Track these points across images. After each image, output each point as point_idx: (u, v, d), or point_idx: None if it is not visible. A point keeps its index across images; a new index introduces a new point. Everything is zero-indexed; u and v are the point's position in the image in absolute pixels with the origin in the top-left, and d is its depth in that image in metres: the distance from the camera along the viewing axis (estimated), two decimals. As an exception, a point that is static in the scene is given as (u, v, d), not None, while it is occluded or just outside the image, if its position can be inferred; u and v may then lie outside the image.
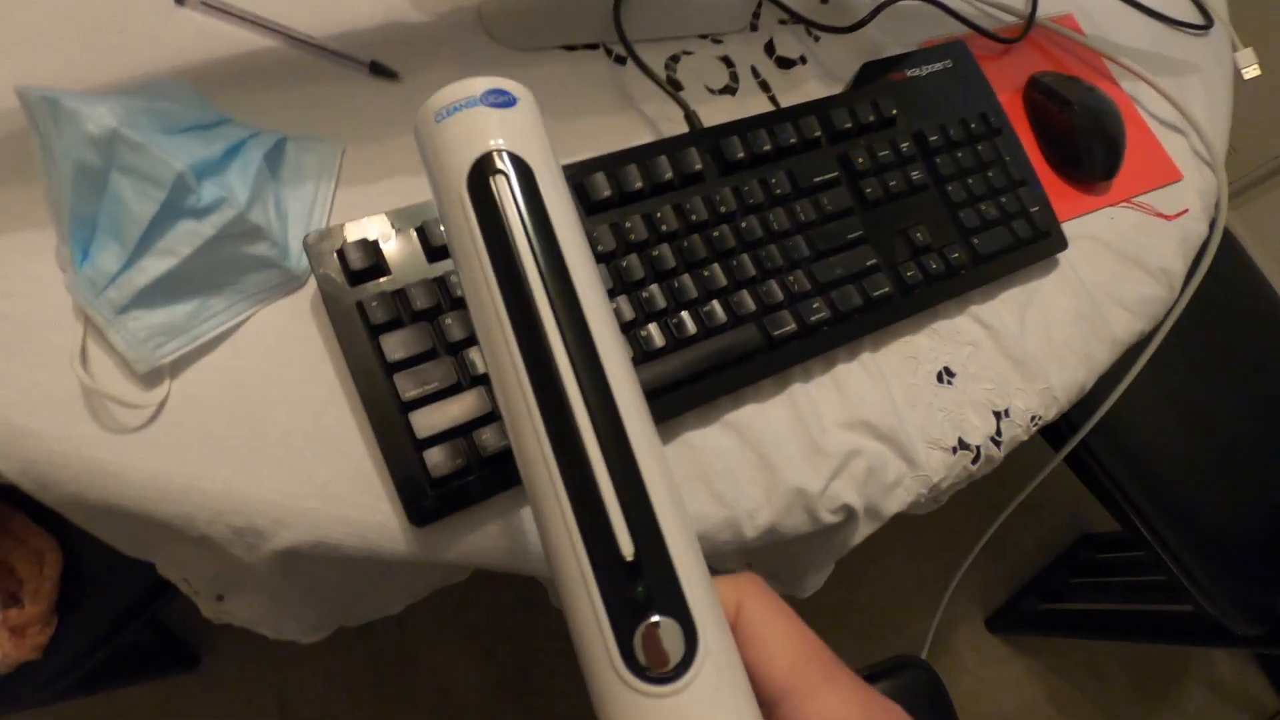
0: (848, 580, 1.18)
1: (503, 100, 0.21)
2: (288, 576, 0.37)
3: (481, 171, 0.20)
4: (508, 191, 0.20)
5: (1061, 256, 0.50)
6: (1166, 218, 0.55)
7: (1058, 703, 1.21)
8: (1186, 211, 0.56)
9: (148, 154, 0.31)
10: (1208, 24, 0.64)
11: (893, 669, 0.66)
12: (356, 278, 0.34)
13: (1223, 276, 0.91)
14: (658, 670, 0.18)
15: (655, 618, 0.18)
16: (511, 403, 0.20)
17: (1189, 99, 0.60)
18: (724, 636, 0.19)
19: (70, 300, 0.33)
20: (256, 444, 0.33)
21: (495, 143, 0.20)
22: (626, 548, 0.18)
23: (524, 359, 0.19)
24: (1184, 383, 0.86)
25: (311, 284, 0.36)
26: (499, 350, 0.20)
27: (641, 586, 0.18)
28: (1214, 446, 0.84)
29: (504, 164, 0.20)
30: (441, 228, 0.23)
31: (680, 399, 0.37)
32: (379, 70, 0.41)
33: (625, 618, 0.18)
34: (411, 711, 0.96)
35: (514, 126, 0.21)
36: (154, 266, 0.32)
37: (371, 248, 0.34)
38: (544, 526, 0.19)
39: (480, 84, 0.21)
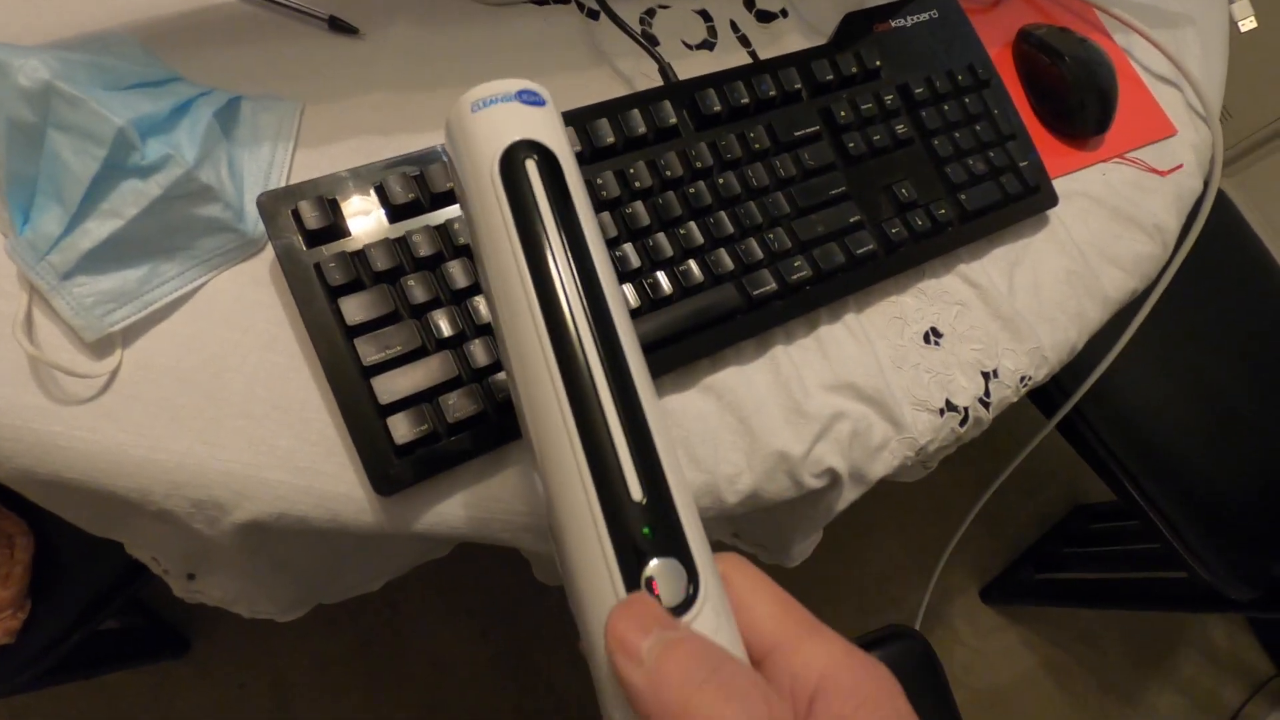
0: (840, 553, 1.18)
1: (533, 100, 0.24)
2: (255, 552, 0.36)
3: (513, 155, 0.23)
4: (536, 172, 0.23)
5: (1052, 213, 0.49)
6: (1160, 173, 0.54)
7: (1053, 672, 1.21)
8: (1181, 167, 0.54)
9: (86, 109, 0.29)
10: (1203, -26, 0.62)
11: (885, 638, 0.66)
12: (314, 238, 0.32)
13: (1219, 242, 0.90)
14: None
15: (660, 559, 0.19)
16: (527, 352, 0.21)
17: (1183, 51, 0.58)
18: (718, 583, 0.20)
19: (14, 267, 0.31)
20: (215, 414, 0.32)
21: (526, 133, 0.23)
22: (636, 490, 0.19)
23: (543, 313, 0.21)
24: (1178, 348, 0.85)
25: (270, 249, 0.35)
26: (518, 304, 0.22)
27: (648, 528, 0.19)
28: (1208, 412, 0.83)
29: (534, 151, 0.23)
30: (464, 207, 0.25)
31: (657, 362, 0.36)
32: (338, 26, 0.40)
33: (632, 558, 0.19)
34: (406, 693, 0.96)
35: (542, 123, 0.24)
36: (98, 229, 0.31)
37: (329, 207, 0.32)
38: (551, 468, 0.20)
39: (514, 84, 0.24)
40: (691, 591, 0.19)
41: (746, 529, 0.48)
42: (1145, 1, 0.60)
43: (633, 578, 0.19)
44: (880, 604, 1.18)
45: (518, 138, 0.23)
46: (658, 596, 0.19)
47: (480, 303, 0.33)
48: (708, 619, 0.19)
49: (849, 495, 0.41)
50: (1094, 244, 0.50)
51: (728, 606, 0.20)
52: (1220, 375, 0.85)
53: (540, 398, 0.21)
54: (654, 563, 0.19)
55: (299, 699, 0.93)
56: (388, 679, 0.96)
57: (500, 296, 0.22)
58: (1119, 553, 1.10)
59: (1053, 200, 0.48)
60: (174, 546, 0.38)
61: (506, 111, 0.24)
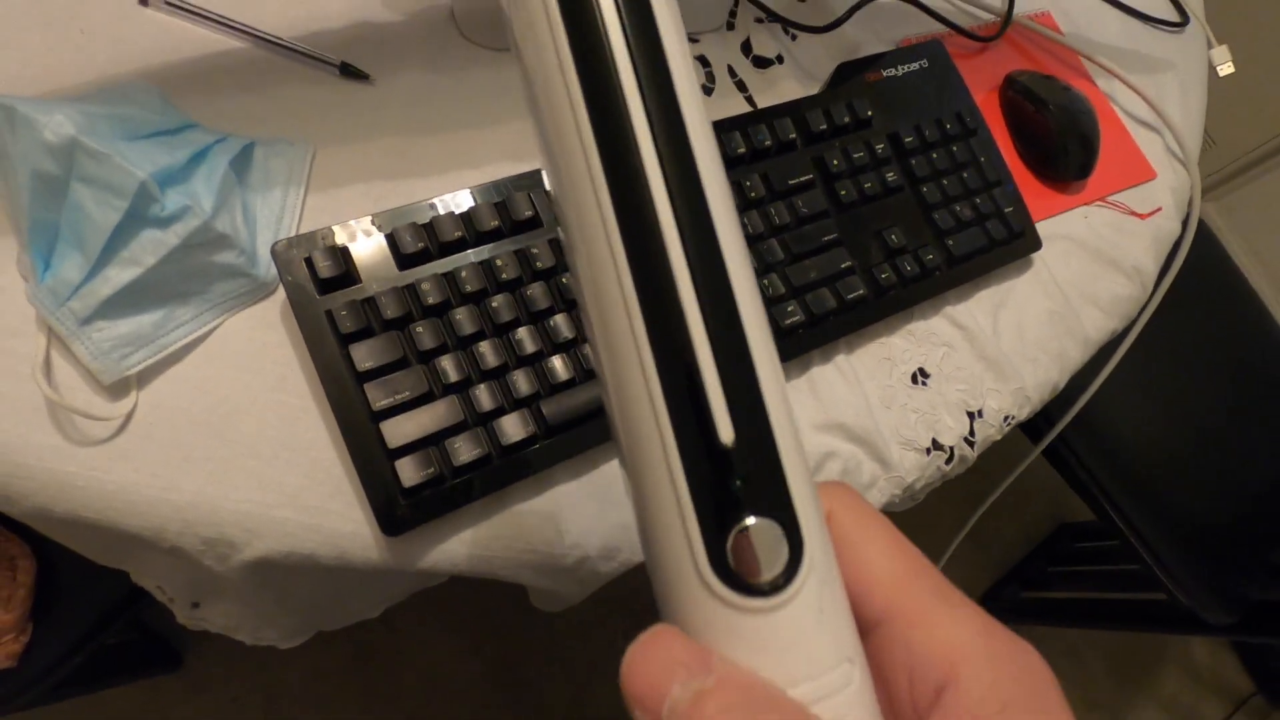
0: (831, 571, 1.19)
1: None
2: (262, 585, 0.37)
3: None
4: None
5: (1036, 256, 0.51)
6: (1140, 216, 0.56)
7: (1037, 689, 1.23)
8: (1160, 210, 0.56)
9: (109, 163, 0.30)
10: (1183, 21, 0.64)
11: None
12: (326, 286, 0.33)
13: (1200, 269, 0.93)
14: (753, 580, 0.14)
15: (753, 519, 0.15)
16: (591, 242, 0.16)
17: (1164, 97, 0.60)
18: (827, 547, 0.16)
19: (33, 310, 0.32)
20: (226, 454, 0.33)
21: None
22: (726, 430, 0.15)
23: (612, 190, 0.15)
24: (1161, 375, 0.87)
25: (281, 291, 0.36)
26: (579, 178, 0.16)
27: (739, 479, 0.15)
28: (1189, 438, 0.85)
29: None
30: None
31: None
32: (349, 71, 0.41)
33: (717, 515, 0.15)
34: (398, 707, 0.96)
35: None
36: (118, 276, 0.32)
37: (341, 255, 0.34)
38: (618, 394, 0.16)
39: None
40: (793, 561, 0.15)
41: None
42: (1128, 48, 0.62)
43: (717, 543, 0.15)
44: (868, 621, 1.19)
45: None
46: (743, 575, 0.15)
47: (485, 349, 0.35)
48: (811, 595, 0.15)
49: (838, 531, 0.42)
50: (1075, 285, 0.51)
51: (836, 572, 0.16)
52: (1200, 401, 0.87)
53: (604, 295, 0.16)
54: (748, 522, 0.15)
55: (292, 712, 0.93)
56: (380, 693, 0.96)
57: (553, 152, 0.16)
58: (1102, 572, 1.12)
59: (1036, 244, 0.49)
60: (180, 576, 0.39)
61: None
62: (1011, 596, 1.21)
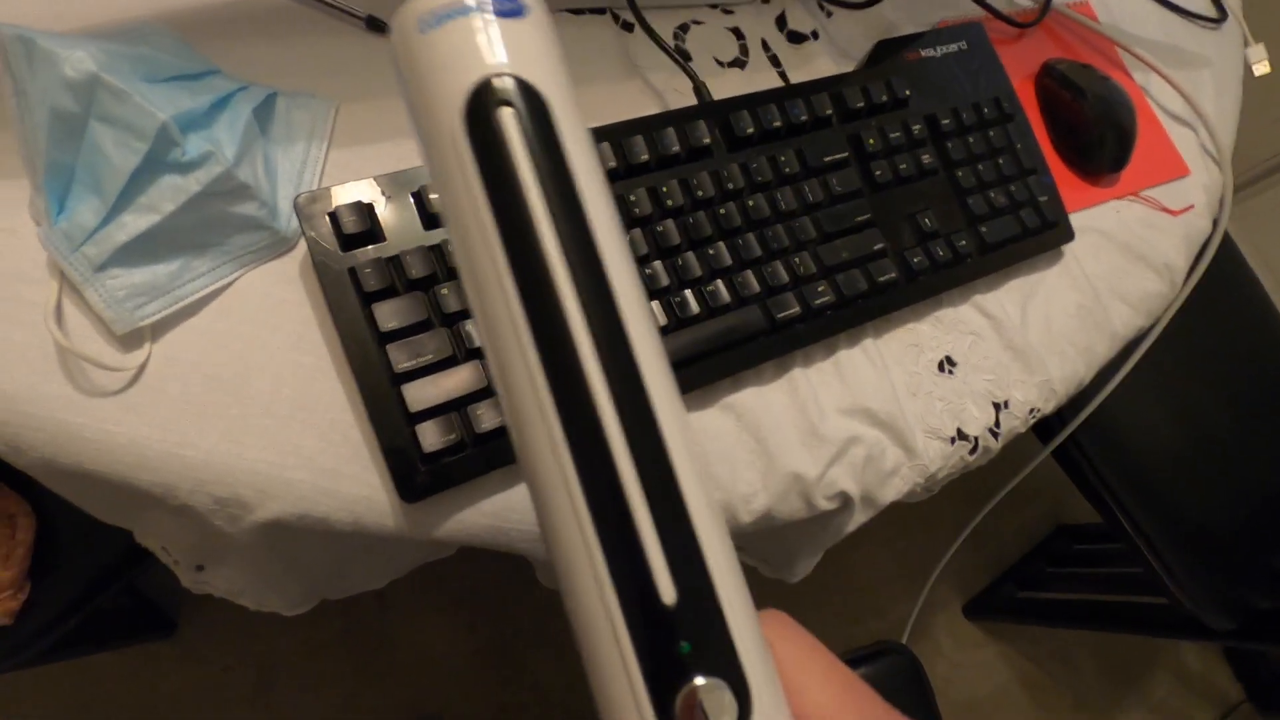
0: (829, 563, 1.18)
1: (509, 8, 0.16)
2: (271, 549, 0.36)
3: (483, 101, 0.16)
4: (516, 128, 0.16)
5: (1066, 248, 0.50)
6: (1172, 213, 0.55)
7: (1029, 688, 1.23)
8: (1192, 207, 0.56)
9: (130, 102, 0.29)
10: (1221, 17, 0.63)
11: (875, 654, 0.67)
12: (349, 242, 0.32)
13: (1218, 276, 0.92)
14: None
15: (701, 679, 0.15)
16: (518, 396, 0.15)
17: (1199, 92, 0.59)
18: (777, 697, 0.16)
19: (45, 255, 0.31)
20: (241, 412, 0.32)
21: (500, 63, 0.16)
22: (667, 591, 0.15)
23: (536, 342, 0.15)
24: (1173, 379, 0.86)
25: (301, 247, 0.35)
26: (502, 329, 0.16)
27: (685, 640, 0.15)
28: (1199, 444, 0.85)
29: (513, 93, 0.16)
30: (428, 173, 0.18)
31: (680, 380, 0.36)
32: (376, 25, 0.39)
33: (664, 676, 0.15)
34: (390, 683, 0.96)
35: (523, 43, 0.16)
36: (135, 223, 0.30)
37: (366, 211, 0.32)
38: (558, 555, 0.16)
39: None
40: (742, 715, 0.15)
41: (751, 544, 0.49)
42: (1165, 42, 0.61)
43: (665, 707, 0.15)
44: (864, 613, 1.19)
45: (489, 72, 0.16)
46: None
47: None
48: None
49: (859, 518, 0.42)
50: (1105, 280, 0.51)
51: (785, 714, 0.16)
52: (1211, 409, 0.86)
53: (534, 453, 0.15)
54: (696, 682, 0.15)
55: (284, 684, 0.93)
56: (373, 668, 0.96)
57: (475, 303, 0.16)
58: (1101, 575, 1.12)
59: (1069, 235, 0.48)
60: (186, 538, 0.38)
61: (471, 30, 0.16)
62: (1008, 596, 1.21)
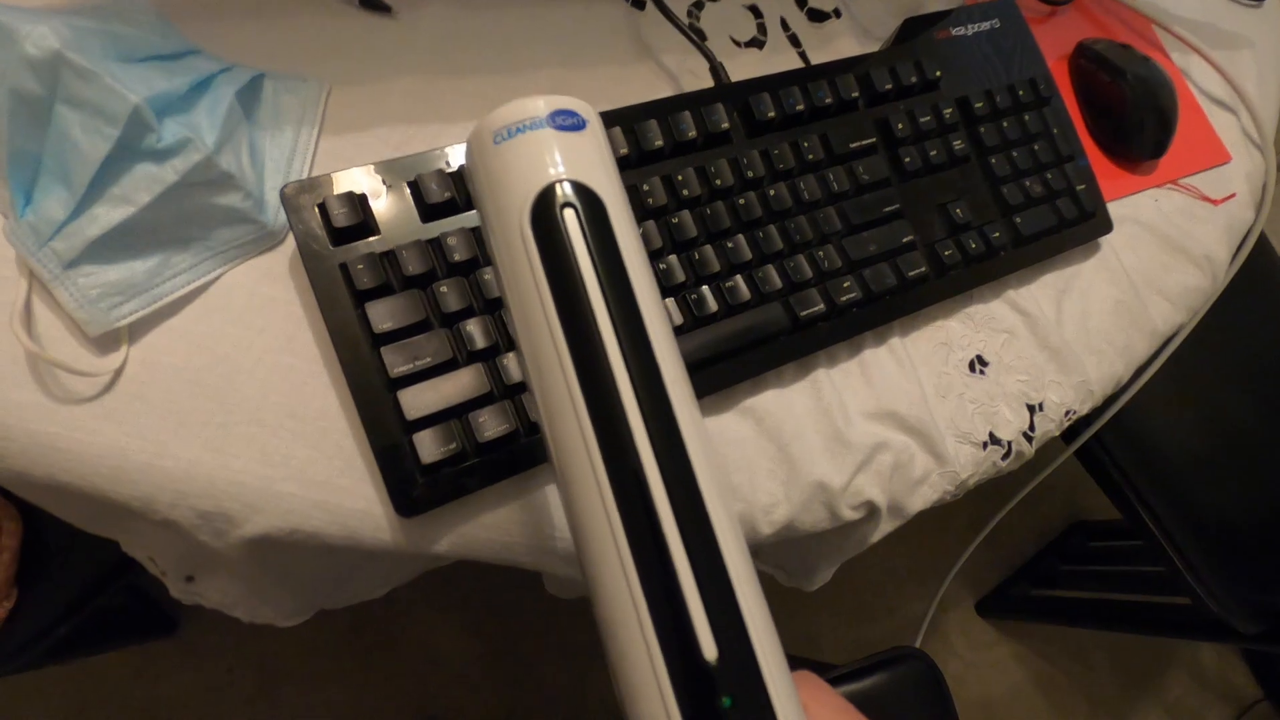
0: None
1: (571, 123, 0.19)
2: (262, 563, 0.33)
3: (547, 203, 0.18)
4: (577, 229, 0.18)
5: (1103, 240, 0.47)
6: (1213, 202, 0.52)
7: (1043, 687, 1.21)
8: (1234, 196, 0.53)
9: (98, 84, 0.26)
10: (1263, -5, 0.60)
11: (891, 660, 0.64)
12: (341, 236, 0.30)
13: (1249, 267, 0.89)
14: None
15: None
16: (574, 469, 0.17)
17: (1241, 75, 0.56)
18: None
19: (12, 251, 0.29)
20: (225, 419, 0.30)
21: (562, 171, 0.19)
22: (710, 648, 0.16)
23: (594, 423, 0.17)
24: (1200, 373, 0.83)
25: (290, 241, 0.32)
26: (562, 409, 0.17)
27: (728, 696, 0.16)
28: (1226, 443, 0.82)
29: (573, 196, 0.18)
30: (492, 257, 0.20)
31: (698, 383, 0.34)
32: (370, 3, 0.37)
33: None
34: (395, 684, 0.94)
35: (583, 154, 0.19)
36: (107, 215, 0.28)
37: (359, 203, 0.30)
38: (607, 618, 0.17)
39: (546, 104, 0.19)
40: None
41: (768, 551, 0.47)
42: (1204, 21, 0.57)
43: None
44: (877, 611, 1.17)
45: (552, 179, 0.18)
46: None
47: (516, 314, 0.31)
48: None
49: (884, 528, 0.39)
50: (1143, 273, 0.48)
51: None
52: (1240, 405, 0.84)
53: (590, 520, 0.17)
54: None
55: (287, 685, 0.91)
56: (378, 669, 0.94)
57: (536, 378, 0.18)
58: (1118, 573, 1.09)
59: (1107, 226, 0.46)
60: (174, 548, 0.36)
61: (538, 142, 0.19)
62: (1022, 594, 1.19)
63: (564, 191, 0.18)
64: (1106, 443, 0.79)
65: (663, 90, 0.41)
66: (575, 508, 0.18)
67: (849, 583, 1.16)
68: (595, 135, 0.20)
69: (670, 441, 0.17)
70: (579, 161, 0.19)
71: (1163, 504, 0.78)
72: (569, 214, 0.18)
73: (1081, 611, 1.12)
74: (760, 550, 0.45)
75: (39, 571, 0.50)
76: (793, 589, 0.48)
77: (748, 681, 0.16)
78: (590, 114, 0.20)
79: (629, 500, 0.17)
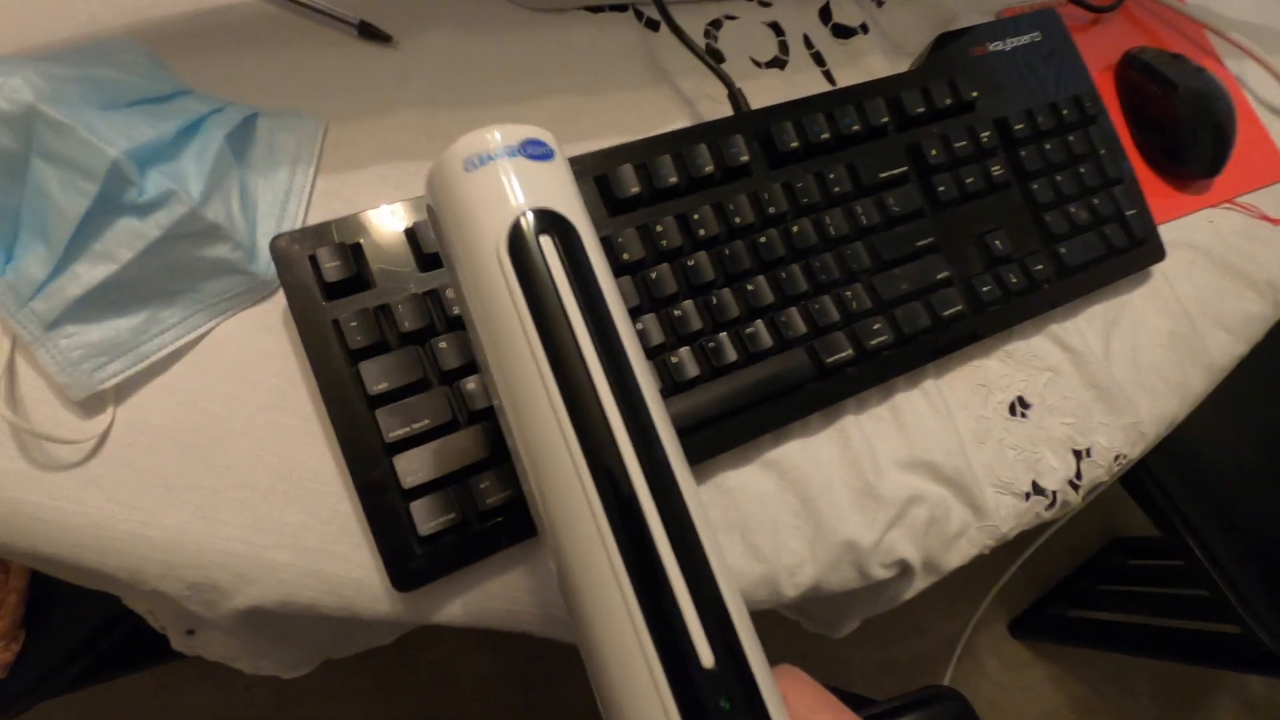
0: (867, 581, 1.13)
1: (541, 153, 0.19)
2: (258, 629, 0.32)
3: (523, 231, 0.18)
4: (555, 253, 0.18)
5: (1155, 268, 0.44)
6: (1273, 222, 0.48)
7: (1080, 713, 1.16)
8: (1297, 215, 0.49)
9: (73, 137, 0.25)
10: (1326, -6, 0.55)
11: (925, 700, 0.61)
12: (333, 290, 0.28)
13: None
14: None
15: None
16: (560, 486, 0.18)
17: (1303, 82, 0.52)
18: None
19: (-5, 310, 0.28)
20: (215, 483, 0.28)
21: (538, 199, 0.19)
22: (706, 655, 0.17)
23: (581, 444, 0.17)
24: (1249, 390, 0.79)
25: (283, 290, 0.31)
26: (548, 434, 0.18)
27: (727, 701, 0.16)
28: (1273, 457, 0.77)
29: (550, 224, 0.19)
30: (451, 292, 0.22)
31: (716, 437, 0.32)
32: (369, 32, 0.35)
33: None
34: (412, 703, 0.94)
35: (555, 183, 0.19)
36: (89, 274, 0.27)
37: (351, 254, 0.28)
38: (599, 636, 0.17)
39: (516, 132, 0.19)
40: None
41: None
42: (1260, 24, 0.53)
43: None
44: (905, 631, 1.13)
45: (529, 207, 0.19)
46: None
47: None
48: None
49: (918, 585, 0.37)
50: (1199, 302, 0.44)
51: None
52: (1289, 421, 0.79)
53: (580, 546, 0.17)
54: None
55: (304, 705, 0.91)
56: (394, 688, 0.93)
57: (516, 408, 0.18)
58: (1160, 595, 1.04)
59: (1160, 254, 0.42)
60: (171, 608, 0.35)
61: (510, 171, 0.19)
62: (1057, 615, 1.14)
63: (541, 219, 0.19)
64: (1149, 463, 0.75)
65: (679, 117, 0.39)
66: (568, 535, 0.18)
67: (876, 603, 1.13)
68: (562, 166, 0.20)
69: (657, 461, 0.18)
70: (552, 190, 0.19)
71: (1209, 525, 0.74)
72: (546, 241, 0.18)
73: (1121, 636, 1.07)
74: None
75: (47, 614, 0.50)
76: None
77: (741, 683, 0.17)
78: (556, 145, 0.20)
79: (624, 519, 0.17)
